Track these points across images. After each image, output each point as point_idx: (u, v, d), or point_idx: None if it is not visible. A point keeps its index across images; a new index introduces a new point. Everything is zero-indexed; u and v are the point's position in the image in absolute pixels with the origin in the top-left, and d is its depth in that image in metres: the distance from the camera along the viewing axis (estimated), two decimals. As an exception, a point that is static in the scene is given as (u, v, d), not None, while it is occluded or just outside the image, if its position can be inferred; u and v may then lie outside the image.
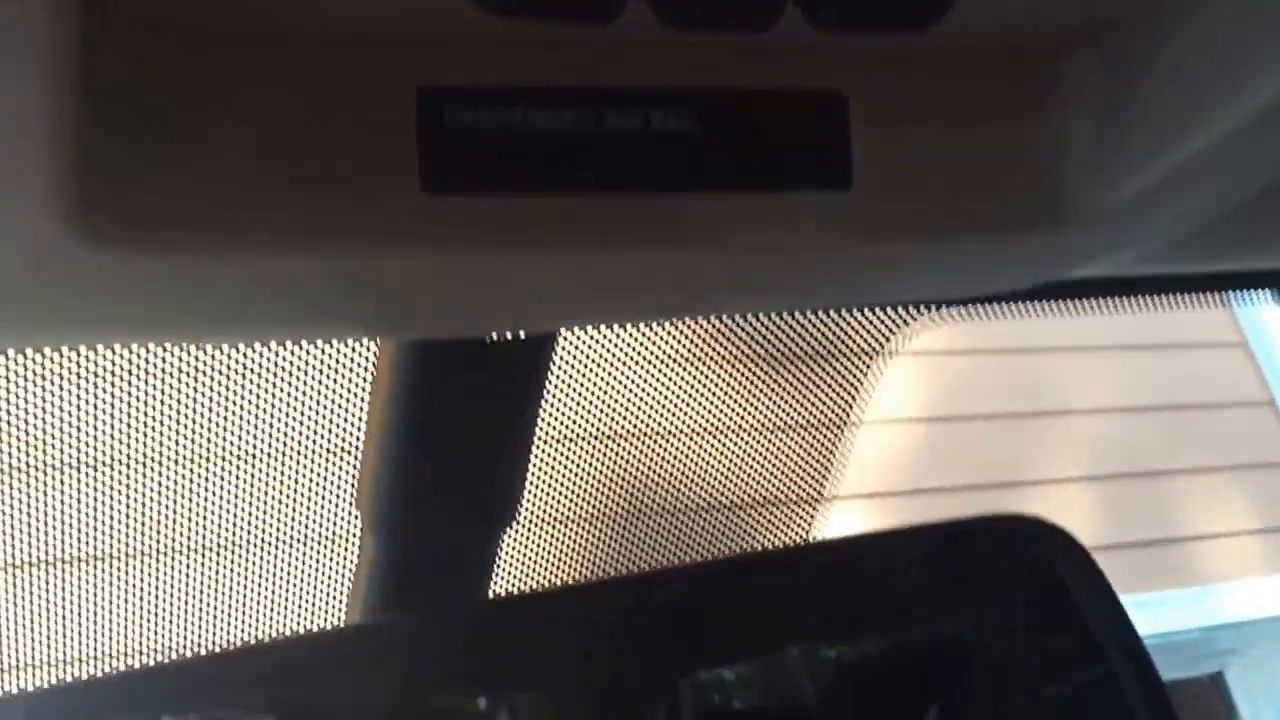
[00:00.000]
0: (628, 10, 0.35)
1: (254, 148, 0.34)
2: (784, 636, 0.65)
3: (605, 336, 0.62)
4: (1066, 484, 2.73)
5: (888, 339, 0.68)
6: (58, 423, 0.52)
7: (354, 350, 0.54)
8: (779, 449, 0.71)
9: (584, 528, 0.67)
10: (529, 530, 0.65)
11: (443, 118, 0.36)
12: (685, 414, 0.68)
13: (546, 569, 0.67)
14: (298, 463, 0.59)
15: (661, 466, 0.68)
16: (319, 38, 0.35)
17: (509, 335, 0.52)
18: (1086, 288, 0.73)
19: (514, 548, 0.65)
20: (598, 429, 0.65)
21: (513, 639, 0.58)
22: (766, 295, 0.49)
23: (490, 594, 0.61)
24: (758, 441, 0.71)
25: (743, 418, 0.69)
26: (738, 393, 0.68)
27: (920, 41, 0.40)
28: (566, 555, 0.67)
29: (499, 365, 0.53)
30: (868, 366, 0.69)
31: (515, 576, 0.66)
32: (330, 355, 0.55)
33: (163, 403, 0.53)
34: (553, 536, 0.66)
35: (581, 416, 0.64)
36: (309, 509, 0.61)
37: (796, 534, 0.73)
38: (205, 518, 0.59)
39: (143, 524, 0.57)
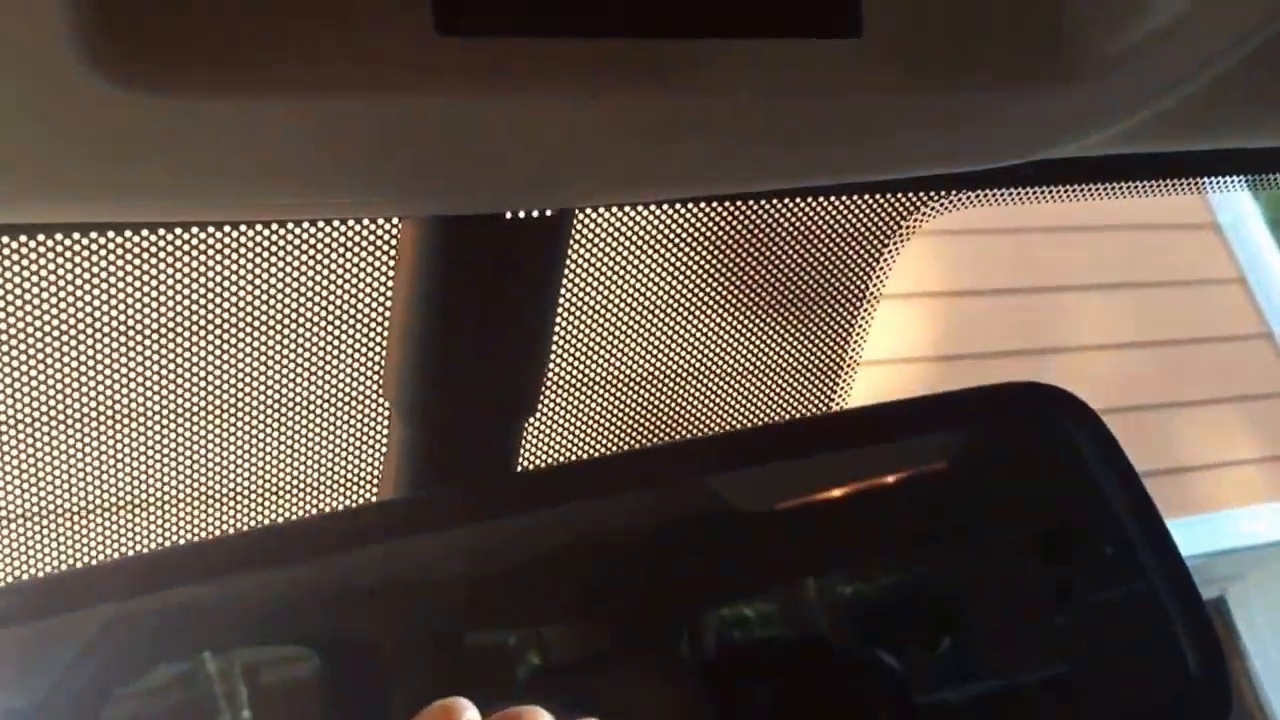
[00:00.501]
0: None
1: None
2: (804, 568, 0.66)
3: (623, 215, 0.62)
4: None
5: (896, 227, 0.69)
6: (85, 303, 0.53)
7: (377, 234, 0.55)
8: (799, 320, 0.72)
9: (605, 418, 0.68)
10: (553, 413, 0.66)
11: None
12: (703, 292, 0.69)
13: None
14: (326, 348, 0.59)
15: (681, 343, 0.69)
16: None
17: (527, 213, 0.53)
18: (1074, 170, 0.74)
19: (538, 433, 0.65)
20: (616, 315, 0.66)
21: (541, 539, 0.59)
22: (778, 165, 0.49)
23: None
24: (778, 316, 0.71)
25: (761, 297, 0.69)
26: (756, 273, 0.69)
27: None
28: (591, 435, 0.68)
29: (518, 248, 0.54)
30: (880, 250, 0.70)
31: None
32: (354, 236, 0.55)
33: (190, 287, 0.53)
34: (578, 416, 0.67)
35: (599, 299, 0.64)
36: (338, 394, 0.61)
37: (819, 392, 0.74)
38: (232, 392, 0.59)
39: (172, 392, 0.57)
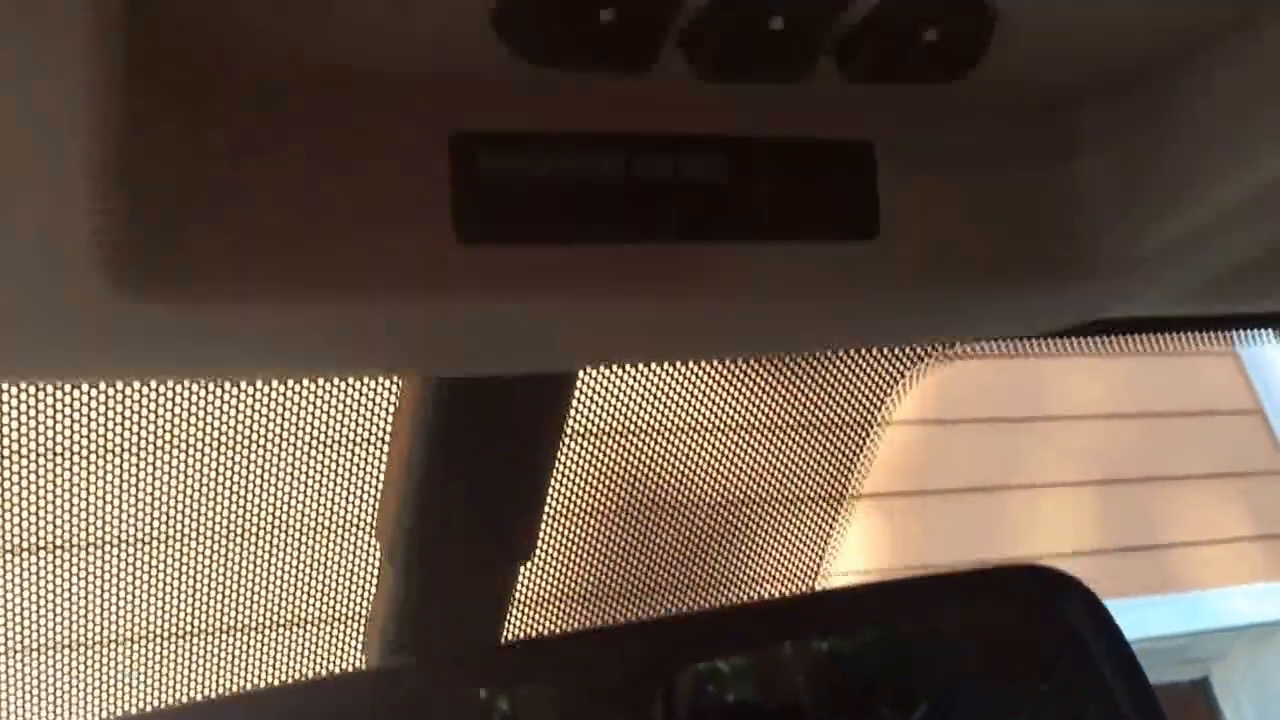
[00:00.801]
0: (662, 59, 0.36)
1: (291, 196, 0.34)
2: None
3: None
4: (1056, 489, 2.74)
5: (906, 370, 0.69)
6: (93, 444, 0.52)
7: (379, 381, 0.55)
8: (802, 453, 0.71)
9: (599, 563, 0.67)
10: (546, 564, 0.65)
11: (477, 164, 0.36)
12: (704, 422, 0.69)
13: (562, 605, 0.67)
14: (320, 489, 0.59)
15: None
16: (355, 85, 0.35)
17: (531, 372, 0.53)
18: (1096, 327, 0.73)
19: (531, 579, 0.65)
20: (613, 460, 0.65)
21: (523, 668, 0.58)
22: (790, 339, 0.49)
23: (506, 626, 0.61)
24: (779, 443, 0.71)
25: (766, 418, 0.69)
26: (764, 396, 0.68)
27: (947, 92, 0.40)
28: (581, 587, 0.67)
29: (520, 401, 0.53)
30: (889, 387, 0.69)
31: (532, 613, 0.66)
32: (355, 385, 0.55)
33: (190, 428, 0.53)
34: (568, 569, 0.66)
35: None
36: (331, 535, 0.61)
37: (815, 534, 0.73)
38: (229, 527, 0.59)
39: (170, 523, 0.57)
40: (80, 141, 0.27)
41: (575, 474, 0.64)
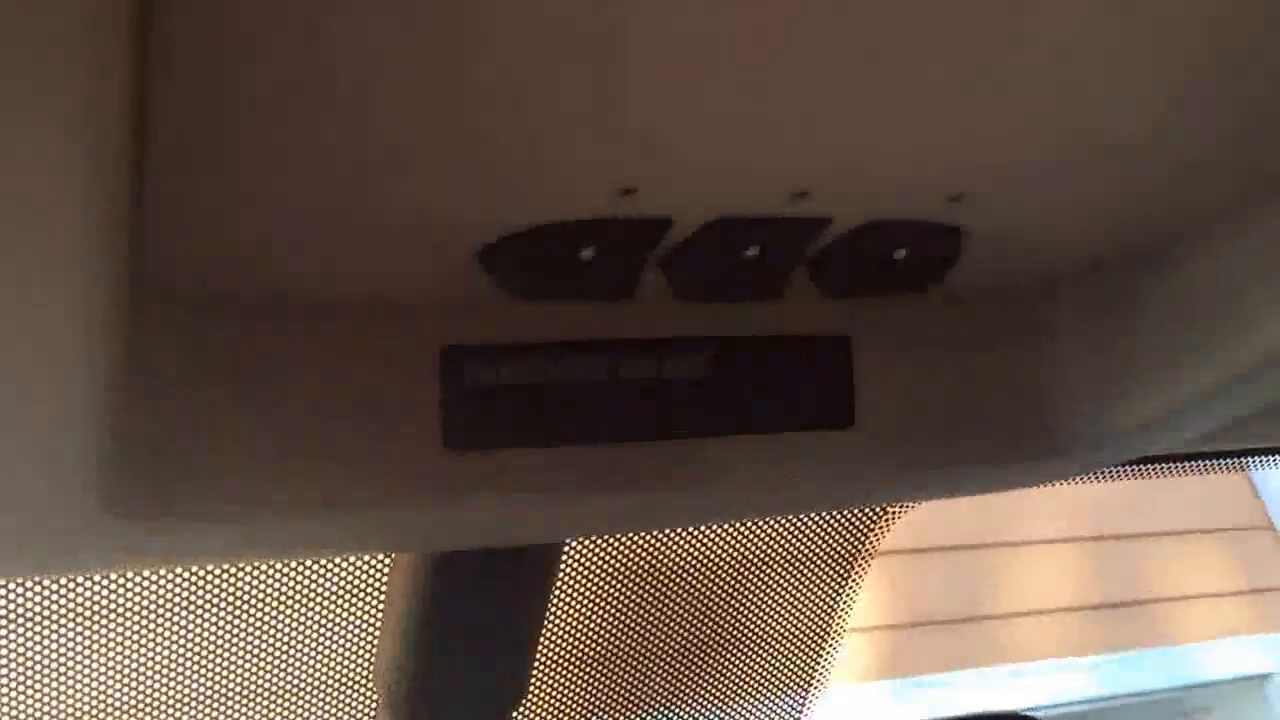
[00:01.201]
0: (643, 283, 0.37)
1: (285, 414, 0.35)
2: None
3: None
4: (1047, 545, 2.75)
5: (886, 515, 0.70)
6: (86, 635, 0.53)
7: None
8: (787, 594, 0.72)
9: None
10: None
11: (463, 376, 0.38)
12: (691, 566, 0.69)
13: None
14: (318, 641, 0.59)
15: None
16: (349, 305, 0.36)
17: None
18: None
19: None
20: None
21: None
22: (768, 511, 0.51)
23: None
24: (766, 590, 0.72)
25: (750, 569, 0.70)
26: (744, 549, 0.69)
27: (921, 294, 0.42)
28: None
29: (511, 559, 0.54)
30: (872, 526, 0.71)
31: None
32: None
33: (186, 586, 0.54)
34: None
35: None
36: (329, 686, 0.61)
37: (804, 662, 0.74)
38: (234, 678, 0.59)
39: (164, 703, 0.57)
40: (83, 361, 0.28)
41: (566, 619, 0.65)
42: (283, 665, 0.60)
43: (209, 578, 0.55)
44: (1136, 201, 0.40)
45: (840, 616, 0.76)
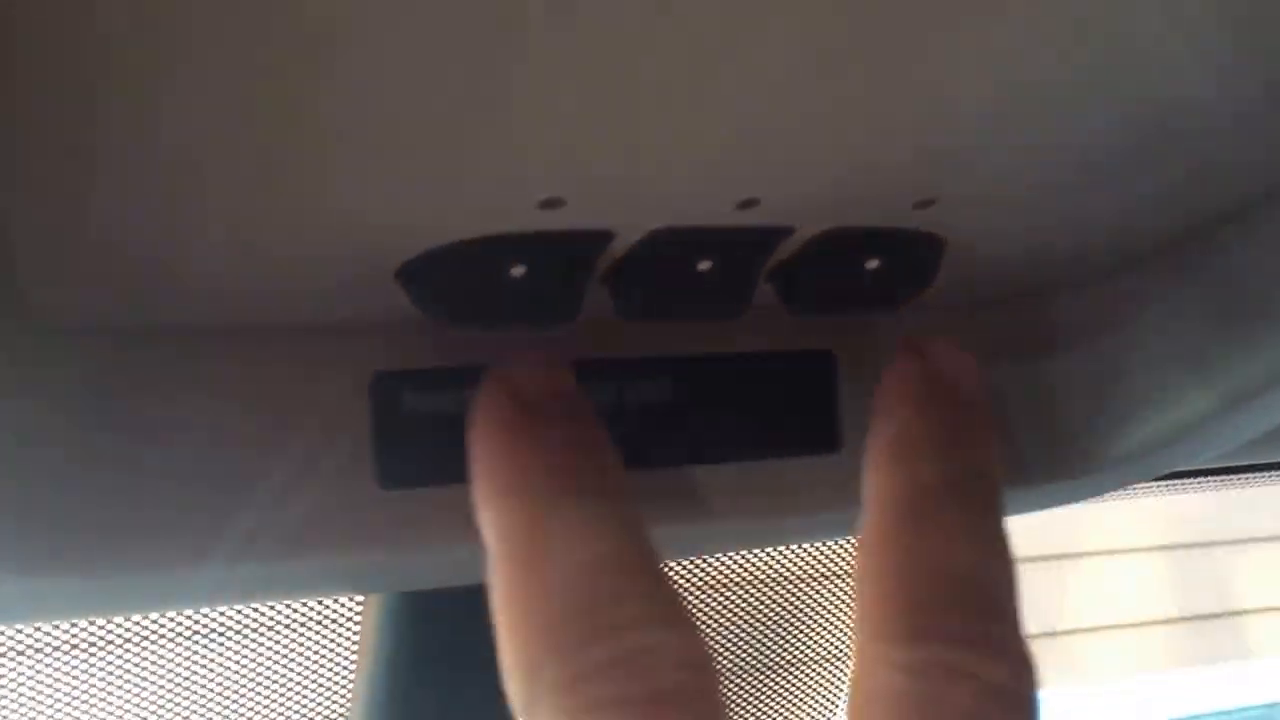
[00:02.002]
0: (586, 304, 0.34)
1: (193, 457, 0.33)
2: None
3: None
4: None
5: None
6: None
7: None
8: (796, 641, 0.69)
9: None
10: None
11: (397, 406, 0.35)
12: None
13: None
14: (290, 694, 0.57)
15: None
16: (260, 333, 0.34)
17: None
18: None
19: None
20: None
21: None
22: (748, 544, 0.47)
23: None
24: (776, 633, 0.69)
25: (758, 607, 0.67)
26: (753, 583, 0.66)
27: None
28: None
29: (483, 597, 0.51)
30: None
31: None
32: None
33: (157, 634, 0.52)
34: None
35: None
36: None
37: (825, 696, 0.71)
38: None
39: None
40: None
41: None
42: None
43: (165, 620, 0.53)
44: (1138, 204, 0.36)
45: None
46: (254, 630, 0.55)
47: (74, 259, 0.28)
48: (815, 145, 0.28)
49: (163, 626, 0.56)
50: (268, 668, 0.55)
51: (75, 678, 0.57)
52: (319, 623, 0.54)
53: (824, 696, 0.71)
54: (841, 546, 0.71)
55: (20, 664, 0.57)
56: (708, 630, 0.70)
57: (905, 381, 0.35)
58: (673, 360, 0.38)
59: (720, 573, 0.68)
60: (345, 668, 0.58)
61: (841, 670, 0.71)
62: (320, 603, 0.54)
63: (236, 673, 0.56)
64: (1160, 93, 0.29)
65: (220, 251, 0.29)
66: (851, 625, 0.33)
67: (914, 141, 0.29)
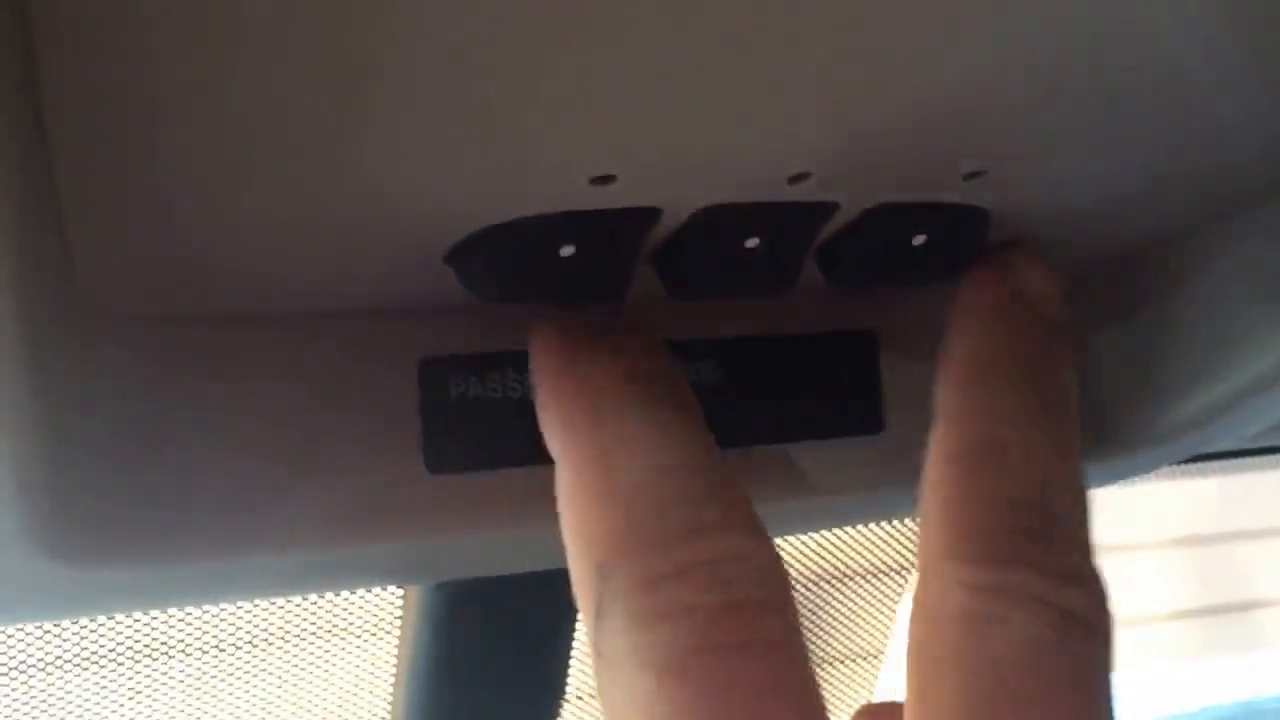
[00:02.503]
0: (635, 281, 0.34)
1: (237, 446, 0.32)
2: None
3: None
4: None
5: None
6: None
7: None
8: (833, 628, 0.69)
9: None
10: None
11: (445, 390, 0.35)
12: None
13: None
14: (330, 689, 0.57)
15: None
16: (308, 320, 0.34)
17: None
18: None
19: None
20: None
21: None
22: (792, 528, 0.47)
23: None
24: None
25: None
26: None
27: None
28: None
29: (527, 589, 0.51)
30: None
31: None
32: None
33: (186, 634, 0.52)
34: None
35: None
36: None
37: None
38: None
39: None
40: (8, 387, 0.25)
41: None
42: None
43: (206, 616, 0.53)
44: (1179, 181, 0.36)
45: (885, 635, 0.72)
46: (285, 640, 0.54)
47: (127, 242, 0.28)
48: (869, 115, 0.28)
49: (191, 637, 0.55)
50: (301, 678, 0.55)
51: (108, 690, 0.57)
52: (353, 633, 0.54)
53: (883, 610, 0.70)
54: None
55: (51, 678, 0.57)
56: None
57: (984, 296, 0.34)
58: (714, 343, 0.38)
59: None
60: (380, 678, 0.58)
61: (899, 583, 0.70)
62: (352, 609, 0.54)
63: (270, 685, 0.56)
64: (1205, 67, 0.29)
65: (272, 236, 0.29)
66: (917, 538, 0.32)
67: (969, 109, 0.29)
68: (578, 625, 0.55)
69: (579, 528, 0.29)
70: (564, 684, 0.55)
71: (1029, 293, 0.34)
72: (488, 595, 0.50)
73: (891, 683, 0.76)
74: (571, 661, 0.55)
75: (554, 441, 0.31)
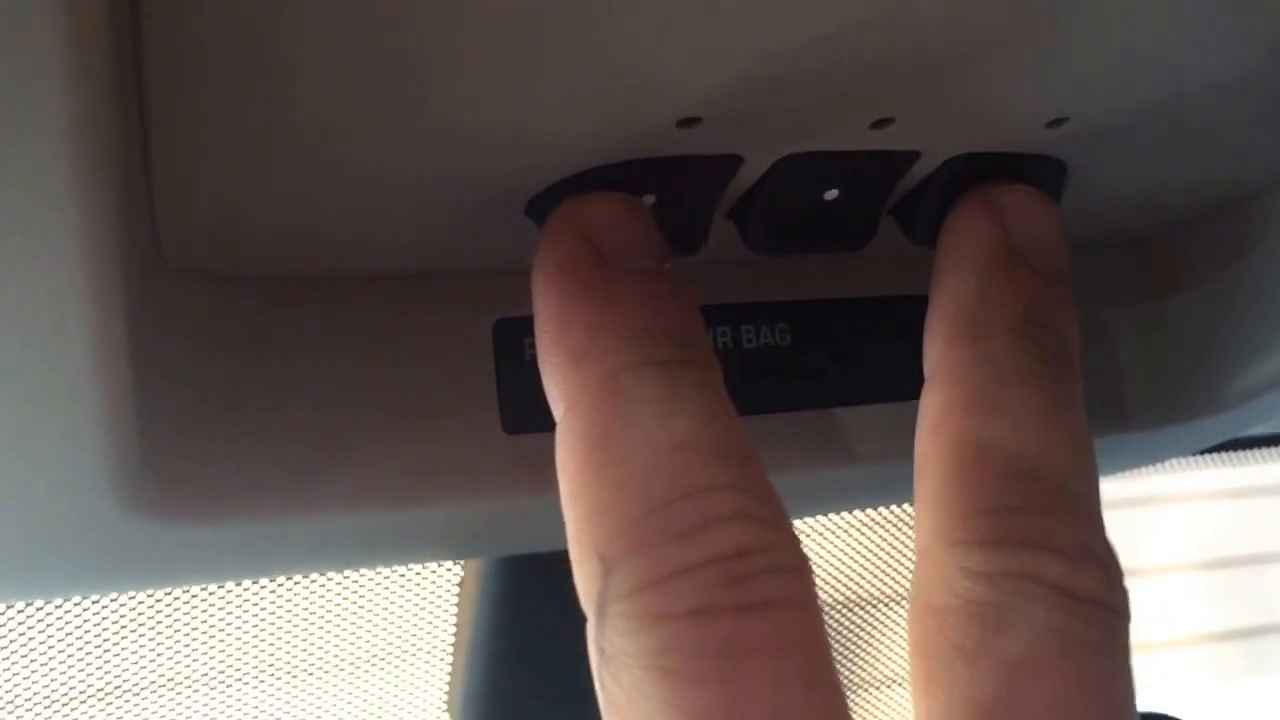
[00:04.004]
0: (713, 236, 0.34)
1: (323, 400, 0.32)
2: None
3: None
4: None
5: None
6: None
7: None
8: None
9: None
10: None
11: (521, 352, 0.35)
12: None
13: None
14: (389, 664, 0.57)
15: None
16: (386, 281, 0.33)
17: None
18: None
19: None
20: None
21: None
22: (863, 500, 0.47)
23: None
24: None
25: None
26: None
27: None
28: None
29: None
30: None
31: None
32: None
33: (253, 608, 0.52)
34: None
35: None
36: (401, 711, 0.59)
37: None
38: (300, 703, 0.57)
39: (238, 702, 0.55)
40: (97, 348, 0.25)
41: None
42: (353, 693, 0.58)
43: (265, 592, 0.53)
44: (1254, 140, 0.36)
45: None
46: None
47: (216, 203, 0.28)
48: (956, 56, 0.28)
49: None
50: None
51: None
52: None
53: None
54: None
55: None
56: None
57: (976, 245, 0.31)
58: (787, 306, 0.37)
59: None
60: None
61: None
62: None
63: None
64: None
65: (353, 192, 0.29)
66: (913, 518, 0.30)
67: (1056, 51, 0.28)
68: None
69: (580, 512, 0.25)
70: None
71: (1027, 239, 0.31)
72: (544, 573, 0.49)
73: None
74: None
75: (554, 402, 0.27)
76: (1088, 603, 0.25)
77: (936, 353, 0.30)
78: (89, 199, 0.21)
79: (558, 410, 0.27)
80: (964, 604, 0.25)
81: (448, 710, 0.56)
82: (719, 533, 0.24)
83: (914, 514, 0.29)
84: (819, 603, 0.25)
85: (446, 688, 0.55)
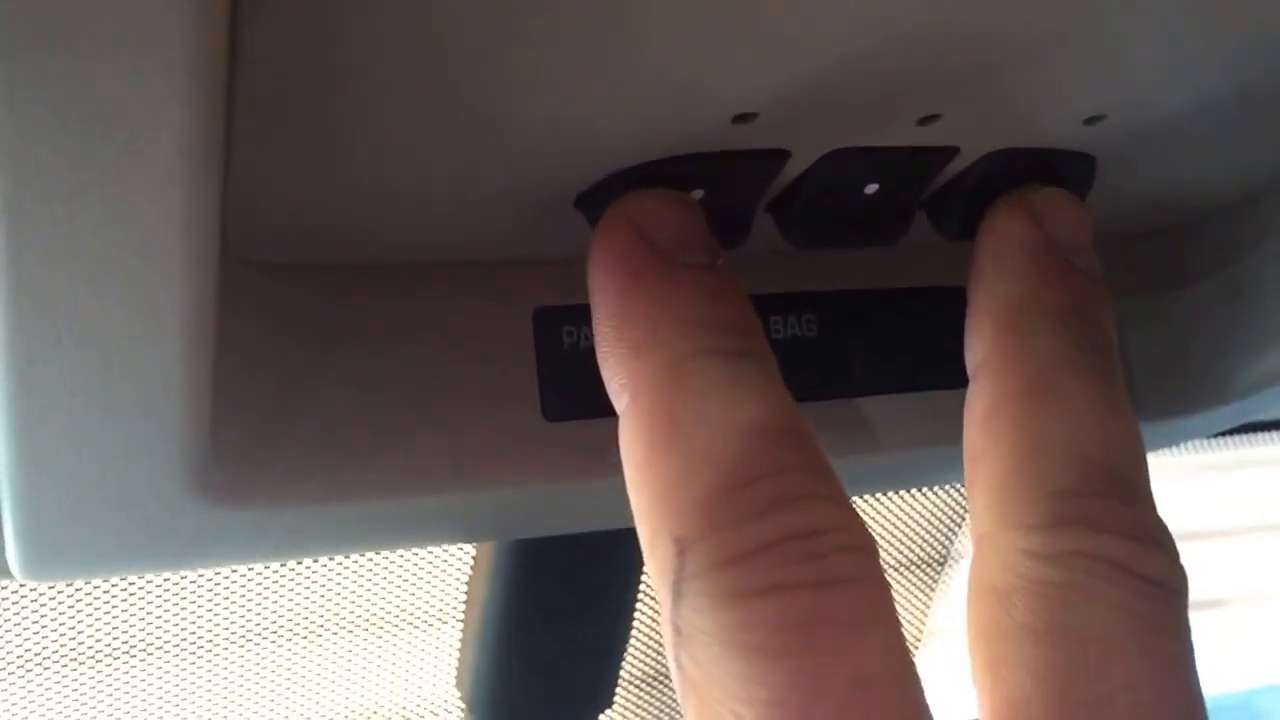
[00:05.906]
0: (752, 231, 0.34)
1: (375, 390, 0.33)
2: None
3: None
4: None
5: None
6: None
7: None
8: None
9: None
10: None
11: (559, 339, 0.35)
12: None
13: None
14: (400, 638, 0.57)
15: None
16: (435, 270, 0.34)
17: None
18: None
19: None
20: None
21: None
22: (878, 485, 0.47)
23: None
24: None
25: None
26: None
27: None
28: None
29: (596, 550, 0.52)
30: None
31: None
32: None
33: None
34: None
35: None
36: (411, 689, 0.59)
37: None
38: (312, 682, 0.57)
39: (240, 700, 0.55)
40: (173, 335, 0.25)
41: (652, 619, 0.62)
42: (362, 671, 0.58)
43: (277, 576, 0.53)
44: (1274, 135, 0.37)
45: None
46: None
47: (277, 199, 0.29)
48: (1012, 54, 0.28)
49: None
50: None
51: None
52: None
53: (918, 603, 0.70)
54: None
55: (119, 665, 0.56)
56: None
57: (1015, 242, 0.31)
58: (819, 296, 0.38)
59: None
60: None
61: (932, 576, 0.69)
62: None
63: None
64: None
65: (413, 190, 0.30)
66: (968, 512, 0.31)
67: (1106, 50, 0.29)
68: (643, 595, 0.55)
69: (651, 495, 0.26)
70: (625, 643, 0.56)
71: (1063, 239, 0.32)
72: (556, 556, 0.50)
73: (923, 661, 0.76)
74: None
75: (617, 393, 0.28)
76: (1153, 583, 0.26)
77: (983, 346, 0.30)
78: (195, 199, 0.21)
79: (621, 400, 0.27)
80: (1030, 585, 0.26)
81: (457, 687, 0.56)
82: (792, 512, 0.24)
83: (967, 503, 0.30)
84: (885, 580, 0.25)
85: (457, 666, 0.56)
